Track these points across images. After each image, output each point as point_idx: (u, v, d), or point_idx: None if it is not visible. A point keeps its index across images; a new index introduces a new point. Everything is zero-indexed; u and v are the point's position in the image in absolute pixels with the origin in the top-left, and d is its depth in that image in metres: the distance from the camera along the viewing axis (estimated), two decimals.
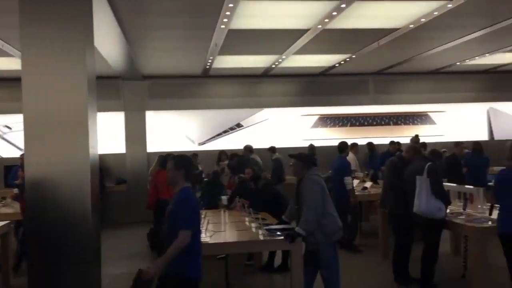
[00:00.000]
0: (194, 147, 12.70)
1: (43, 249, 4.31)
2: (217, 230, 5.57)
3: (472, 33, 8.72)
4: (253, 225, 5.73)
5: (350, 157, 9.23)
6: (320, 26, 7.75)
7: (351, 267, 6.62)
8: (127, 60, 9.94)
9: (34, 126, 4.36)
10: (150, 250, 8.58)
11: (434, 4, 6.95)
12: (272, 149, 11.44)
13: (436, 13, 7.24)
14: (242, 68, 11.78)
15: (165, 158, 8.04)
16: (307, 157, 5.27)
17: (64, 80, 4.40)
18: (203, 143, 12.95)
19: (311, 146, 11.29)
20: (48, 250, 4.30)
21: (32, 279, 4.32)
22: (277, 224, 5.52)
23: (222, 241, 5.25)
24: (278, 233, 5.19)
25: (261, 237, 5.15)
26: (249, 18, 7.23)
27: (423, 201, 5.70)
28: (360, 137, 13.37)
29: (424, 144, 10.37)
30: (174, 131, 12.86)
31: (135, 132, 12.30)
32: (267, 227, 5.36)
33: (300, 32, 8.23)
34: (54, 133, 4.36)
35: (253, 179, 7.38)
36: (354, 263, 7.21)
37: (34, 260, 4.33)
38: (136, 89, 12.40)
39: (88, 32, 4.56)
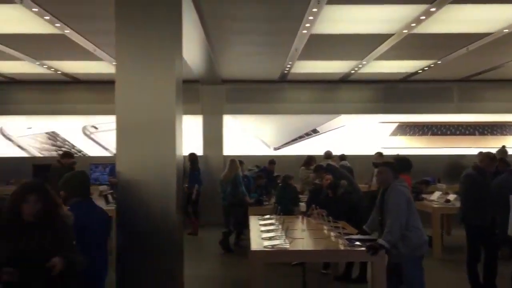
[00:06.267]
0: (269, 152, 12.75)
1: (131, 246, 4.47)
2: (295, 237, 5.51)
3: None
4: (332, 234, 5.61)
5: None
6: (405, 31, 7.49)
7: (436, 284, 6.30)
8: (208, 64, 10.16)
9: (126, 128, 4.54)
10: (224, 252, 8.72)
11: None
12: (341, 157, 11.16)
13: None
14: (320, 74, 11.66)
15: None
16: (396, 165, 5.09)
17: (155, 85, 4.55)
18: (279, 148, 12.95)
19: (399, 157, 10.90)
20: (136, 247, 4.46)
21: (120, 274, 4.48)
22: (357, 234, 5.38)
23: (300, 248, 5.19)
24: (358, 243, 5.04)
25: (341, 247, 5.02)
26: (332, 22, 7.13)
27: None
28: (441, 146, 12.80)
29: None
30: (249, 135, 12.98)
31: (212, 136, 12.53)
32: (347, 237, 5.22)
33: (384, 37, 8.00)
34: (144, 135, 4.52)
35: (331, 186, 7.24)
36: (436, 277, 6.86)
37: (123, 256, 4.50)
38: (214, 93, 12.64)
39: (177, 40, 4.72)
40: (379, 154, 10.89)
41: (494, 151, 10.28)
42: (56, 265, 2.89)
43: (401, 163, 6.23)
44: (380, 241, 4.70)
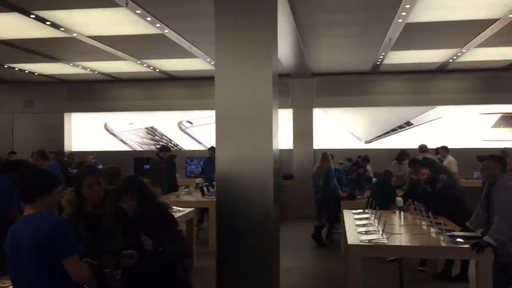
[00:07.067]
0: (360, 145, 12.52)
1: (230, 237, 4.61)
2: (393, 232, 5.38)
3: None
4: (432, 230, 5.40)
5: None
6: None
7: None
8: (298, 58, 10.17)
9: (225, 123, 4.67)
10: (317, 246, 8.73)
11: None
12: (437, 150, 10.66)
13: None
14: (415, 64, 11.22)
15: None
16: (503, 159, 4.80)
17: (252, 80, 4.63)
18: (370, 141, 12.67)
19: (505, 150, 10.17)
20: (234, 237, 4.60)
21: (220, 262, 4.65)
22: (460, 231, 5.15)
23: (399, 243, 5.07)
24: (460, 240, 4.82)
25: (443, 244, 4.82)
26: (431, 10, 6.82)
27: None
28: None
29: None
30: (339, 128, 12.82)
31: (302, 129, 12.52)
32: (449, 233, 5.00)
33: (487, 23, 7.52)
34: (242, 129, 4.62)
35: (429, 181, 6.96)
36: None
37: (222, 245, 4.66)
38: (304, 86, 12.61)
39: (273, 35, 4.75)
40: (442, 148, 10.29)
41: None
42: (144, 241, 3.10)
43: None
44: (487, 238, 4.46)
